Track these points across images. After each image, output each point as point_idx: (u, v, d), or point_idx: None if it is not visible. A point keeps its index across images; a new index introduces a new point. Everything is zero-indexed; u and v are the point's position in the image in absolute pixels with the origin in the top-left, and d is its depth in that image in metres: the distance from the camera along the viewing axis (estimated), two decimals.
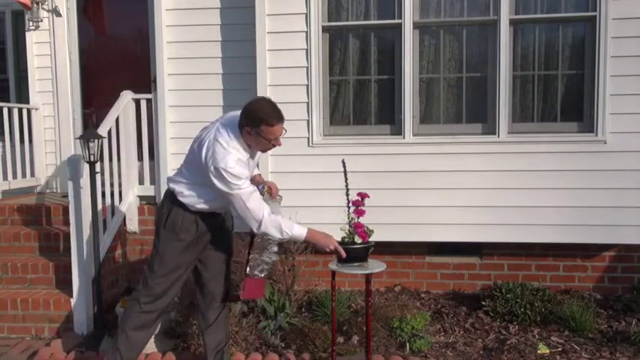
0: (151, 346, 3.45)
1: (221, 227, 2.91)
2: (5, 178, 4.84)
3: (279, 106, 4.41)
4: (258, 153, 2.82)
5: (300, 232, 2.62)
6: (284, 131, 2.64)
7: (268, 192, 2.95)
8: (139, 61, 5.18)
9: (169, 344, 3.57)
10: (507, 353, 3.47)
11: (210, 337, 3.01)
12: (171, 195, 2.78)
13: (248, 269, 2.80)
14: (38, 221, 4.60)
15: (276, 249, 2.88)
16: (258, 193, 2.66)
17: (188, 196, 2.72)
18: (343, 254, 2.69)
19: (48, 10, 5.20)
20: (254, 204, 2.58)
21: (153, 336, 3.49)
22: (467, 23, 4.33)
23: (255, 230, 2.64)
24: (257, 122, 2.55)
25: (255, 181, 2.96)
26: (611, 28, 4.03)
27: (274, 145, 2.66)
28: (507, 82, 4.20)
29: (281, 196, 3.06)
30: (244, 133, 2.60)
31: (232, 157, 2.55)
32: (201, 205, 2.73)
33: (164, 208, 2.80)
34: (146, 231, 4.65)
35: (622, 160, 4.09)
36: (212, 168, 2.55)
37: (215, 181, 2.56)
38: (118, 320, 3.85)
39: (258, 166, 3.07)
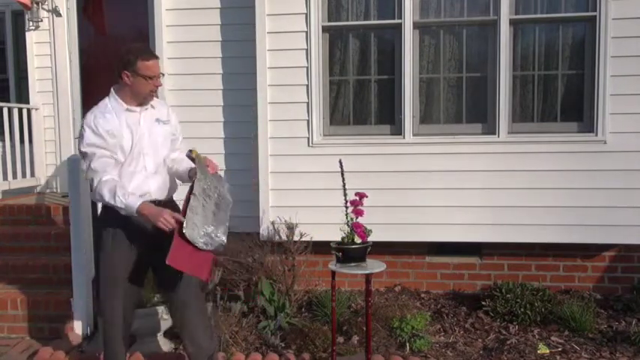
0: (150, 347, 3.46)
1: (154, 231, 2.57)
2: (5, 178, 4.84)
3: (278, 105, 4.45)
4: (166, 116, 2.73)
5: (134, 202, 2.45)
6: (162, 75, 2.64)
7: (199, 158, 2.59)
8: None
9: (169, 345, 3.57)
10: (507, 353, 3.47)
11: (192, 347, 2.70)
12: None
13: (185, 228, 2.43)
14: (38, 221, 4.59)
15: (223, 228, 2.57)
16: (106, 159, 2.52)
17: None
18: (179, 219, 2.43)
19: (48, 10, 5.20)
20: (98, 165, 2.51)
21: (159, 335, 3.50)
22: (467, 23, 4.33)
23: (93, 190, 2.56)
24: (133, 61, 2.54)
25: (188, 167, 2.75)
26: (611, 28, 4.03)
27: (155, 87, 2.61)
28: (507, 82, 4.20)
29: (221, 177, 2.74)
30: (123, 81, 2.58)
31: (92, 112, 2.58)
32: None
33: None
34: None
35: (622, 160, 4.09)
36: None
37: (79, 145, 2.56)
38: None
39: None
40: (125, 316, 2.70)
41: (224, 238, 2.58)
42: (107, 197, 2.47)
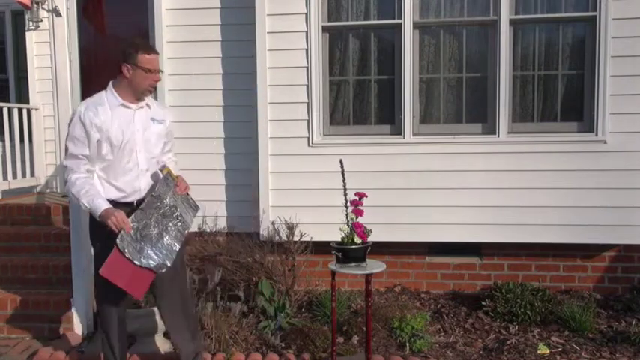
0: (149, 347, 3.45)
1: None
2: (5, 178, 4.84)
3: (278, 105, 4.46)
4: (162, 116, 2.77)
5: (98, 207, 2.50)
6: (161, 71, 2.69)
7: (169, 176, 2.71)
8: None
9: (168, 344, 3.56)
10: (507, 353, 3.47)
11: (179, 348, 2.88)
12: None
13: (119, 240, 2.45)
14: (38, 221, 4.59)
15: (176, 247, 2.61)
16: (79, 161, 2.55)
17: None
18: (126, 228, 2.47)
19: (48, 10, 5.20)
20: (70, 163, 2.57)
21: (158, 335, 3.49)
22: (467, 23, 4.33)
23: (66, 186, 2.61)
24: (134, 53, 2.58)
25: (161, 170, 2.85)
26: (611, 28, 4.03)
27: (154, 81, 2.65)
28: (507, 82, 4.20)
29: (196, 203, 2.83)
30: (122, 74, 2.60)
31: (84, 103, 2.62)
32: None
33: None
34: None
35: (622, 160, 4.09)
36: None
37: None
38: None
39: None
40: (119, 313, 2.79)
41: (167, 260, 2.55)
42: (73, 197, 2.54)
